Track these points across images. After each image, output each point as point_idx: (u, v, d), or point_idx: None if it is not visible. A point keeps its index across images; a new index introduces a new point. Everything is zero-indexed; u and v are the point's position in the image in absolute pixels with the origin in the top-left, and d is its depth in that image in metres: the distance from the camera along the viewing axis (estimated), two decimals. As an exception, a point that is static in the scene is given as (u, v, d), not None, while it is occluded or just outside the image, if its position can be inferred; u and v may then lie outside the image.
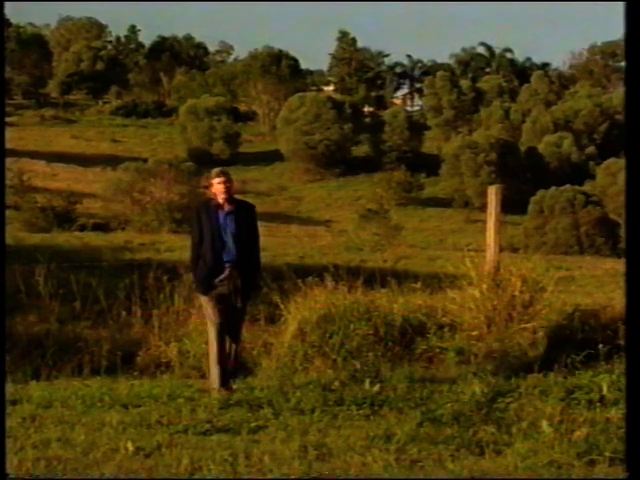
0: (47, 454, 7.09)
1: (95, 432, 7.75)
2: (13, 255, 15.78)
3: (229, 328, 9.03)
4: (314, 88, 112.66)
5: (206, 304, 9.07)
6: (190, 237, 9.17)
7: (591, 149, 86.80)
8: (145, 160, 70.62)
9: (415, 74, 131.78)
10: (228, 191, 8.91)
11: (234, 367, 9.23)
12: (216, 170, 9.05)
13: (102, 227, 50.69)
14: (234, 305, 9.03)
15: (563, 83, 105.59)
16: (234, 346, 9.19)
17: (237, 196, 9.20)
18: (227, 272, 8.94)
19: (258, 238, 9.12)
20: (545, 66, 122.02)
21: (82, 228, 47.96)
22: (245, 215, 9.01)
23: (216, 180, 8.92)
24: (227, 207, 8.92)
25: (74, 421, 8.08)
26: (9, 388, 8.87)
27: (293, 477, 6.73)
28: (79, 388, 9.16)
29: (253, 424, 7.99)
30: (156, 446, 7.36)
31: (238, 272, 8.95)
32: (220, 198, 8.91)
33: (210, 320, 9.03)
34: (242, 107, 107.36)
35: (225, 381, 9.01)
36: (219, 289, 8.96)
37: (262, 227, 9.29)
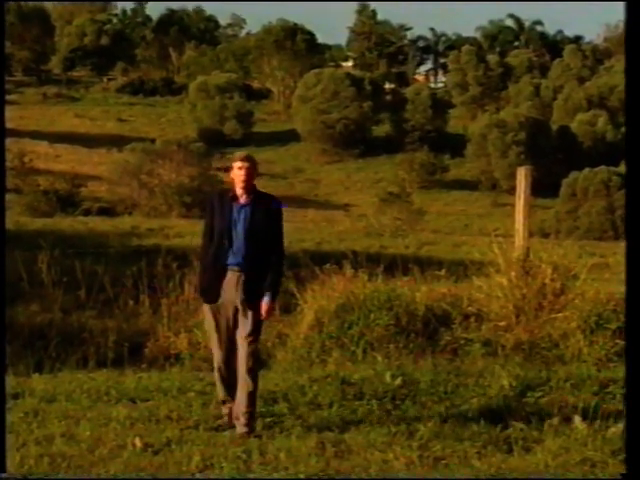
0: (51, 450, 7.13)
1: (101, 427, 7.79)
2: (14, 241, 15.85)
3: (238, 350, 7.84)
4: (332, 64, 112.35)
5: (207, 315, 7.97)
6: (202, 233, 8.12)
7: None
8: (153, 140, 70.69)
9: (439, 49, 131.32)
10: (248, 180, 7.84)
11: (249, 410, 7.80)
12: (240, 153, 8.05)
13: (108, 211, 50.89)
14: (241, 319, 7.81)
15: (597, 57, 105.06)
16: (247, 383, 7.81)
17: (261, 188, 8.13)
18: (230, 277, 7.79)
19: (282, 240, 7.96)
20: (578, 39, 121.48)
21: (87, 213, 48.12)
22: (266, 211, 7.86)
23: (237, 164, 7.88)
24: (243, 199, 7.85)
25: (79, 416, 8.11)
26: (10, 381, 8.91)
27: (310, 475, 6.74)
28: (84, 381, 9.19)
29: (268, 419, 8.01)
30: (165, 442, 7.39)
31: (246, 278, 7.77)
32: (238, 187, 7.87)
33: (212, 339, 8.01)
34: (255, 84, 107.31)
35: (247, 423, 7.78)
36: (225, 297, 7.82)
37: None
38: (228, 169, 8.05)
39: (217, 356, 7.94)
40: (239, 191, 7.87)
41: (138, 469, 6.81)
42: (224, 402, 7.99)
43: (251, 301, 7.78)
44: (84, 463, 6.91)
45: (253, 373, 7.81)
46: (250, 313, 7.79)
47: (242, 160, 7.89)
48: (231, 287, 7.78)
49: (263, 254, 7.80)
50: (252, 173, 7.89)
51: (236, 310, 7.81)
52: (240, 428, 7.72)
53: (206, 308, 7.97)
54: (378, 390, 8.73)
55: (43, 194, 51.85)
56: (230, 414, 7.88)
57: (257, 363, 7.96)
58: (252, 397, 7.78)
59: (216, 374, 8.00)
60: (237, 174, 7.87)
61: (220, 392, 8.02)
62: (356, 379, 9.02)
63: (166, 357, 10.51)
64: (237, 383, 7.84)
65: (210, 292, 7.88)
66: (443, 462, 7.13)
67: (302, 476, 6.72)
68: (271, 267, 7.85)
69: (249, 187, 7.88)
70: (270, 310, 7.92)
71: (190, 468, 6.83)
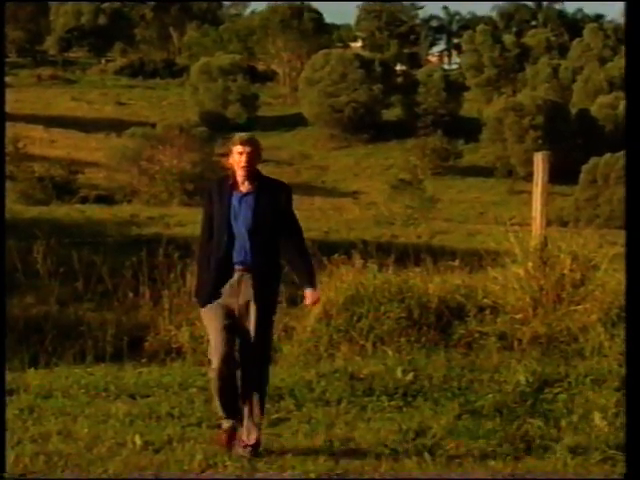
0: (47, 449, 7.15)
1: (99, 425, 7.81)
2: (8, 230, 15.85)
3: (244, 362, 7.16)
4: (340, 45, 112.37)
5: (207, 321, 7.23)
6: (200, 228, 7.44)
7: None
8: (153, 125, 70.87)
9: (453, 28, 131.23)
10: (250, 165, 7.13)
11: (256, 437, 7.17)
12: (240, 135, 7.29)
13: (106, 199, 50.98)
14: (247, 326, 7.11)
15: (619, 37, 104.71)
16: (255, 395, 7.17)
17: (266, 172, 7.45)
18: (236, 277, 7.10)
19: (300, 230, 7.30)
20: (599, 18, 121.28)
21: (84, 200, 48.27)
22: (272, 199, 7.15)
23: (237, 149, 7.17)
24: (245, 187, 7.16)
25: (76, 413, 8.13)
26: (5, 376, 8.92)
27: (318, 474, 6.75)
28: (82, 376, 9.21)
29: (274, 416, 8.02)
30: (166, 440, 7.40)
31: (253, 278, 7.09)
32: (239, 174, 7.17)
33: (211, 347, 7.22)
34: (260, 66, 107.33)
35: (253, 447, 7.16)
36: (225, 300, 7.11)
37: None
38: (227, 154, 7.36)
39: (216, 361, 7.10)
40: (240, 178, 7.18)
41: (138, 468, 6.83)
42: (228, 417, 7.25)
43: (258, 304, 7.07)
44: (82, 462, 6.92)
45: (263, 390, 7.23)
46: (256, 318, 7.09)
47: (243, 144, 7.18)
48: (233, 288, 7.09)
49: (270, 249, 7.14)
50: (255, 157, 7.19)
51: (239, 315, 7.12)
52: (242, 451, 7.12)
53: (204, 313, 7.23)
54: (389, 386, 8.74)
55: (38, 181, 51.95)
56: (230, 434, 7.23)
57: (267, 377, 7.30)
58: (258, 423, 7.22)
59: (215, 383, 7.20)
60: (237, 160, 7.18)
61: (222, 406, 7.25)
62: (366, 374, 9.02)
63: (167, 351, 10.52)
64: (240, 399, 7.20)
65: (207, 294, 7.17)
66: (457, 461, 7.13)
67: (312, 475, 6.72)
68: (300, 256, 7.24)
69: (251, 173, 7.18)
70: (317, 299, 7.41)
71: (192, 467, 6.84)
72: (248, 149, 7.15)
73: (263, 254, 7.10)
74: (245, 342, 7.12)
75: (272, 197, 7.18)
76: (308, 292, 7.27)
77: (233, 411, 7.21)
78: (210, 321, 7.15)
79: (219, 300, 7.11)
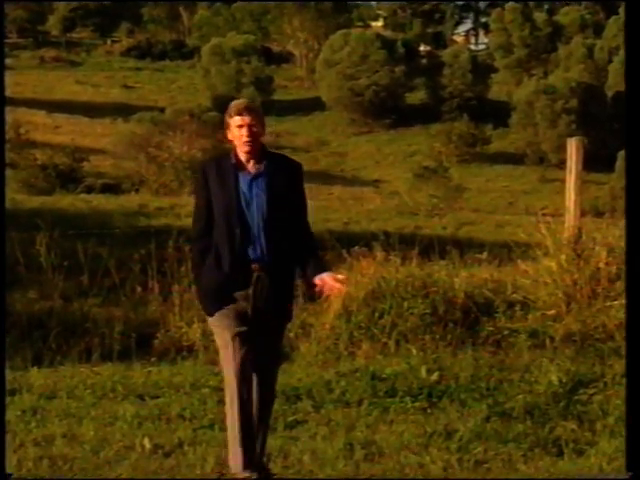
0: (51, 452, 7.19)
1: (106, 427, 7.84)
2: (10, 221, 15.90)
3: (257, 371, 6.47)
4: (360, 24, 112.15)
5: (220, 331, 6.40)
6: (192, 217, 6.60)
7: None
8: (162, 110, 71.08)
9: (480, 6, 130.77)
10: (254, 140, 6.30)
11: (261, 446, 6.55)
12: (237, 103, 6.43)
13: (112, 188, 51.05)
14: (263, 331, 6.39)
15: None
16: (260, 422, 6.52)
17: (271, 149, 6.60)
18: (253, 278, 6.31)
19: (306, 214, 6.54)
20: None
21: (89, 190, 48.30)
22: (285, 181, 6.36)
23: (235, 121, 6.32)
24: (254, 167, 6.34)
25: (82, 414, 8.17)
26: (7, 376, 8.95)
27: (337, 480, 6.77)
28: (87, 376, 9.25)
29: (290, 418, 8.04)
30: (177, 443, 7.43)
31: (267, 277, 6.33)
32: (242, 151, 6.34)
33: (226, 362, 6.42)
34: (275, 47, 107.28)
35: (251, 464, 6.43)
36: (239, 304, 6.34)
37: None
38: (225, 128, 6.45)
39: (235, 388, 6.40)
40: (244, 156, 6.35)
41: (147, 473, 6.85)
42: (248, 467, 6.40)
43: (274, 308, 6.39)
44: (88, 466, 6.96)
45: (268, 409, 6.58)
46: (271, 326, 6.42)
47: (241, 113, 6.31)
48: (248, 291, 6.33)
49: (285, 242, 6.36)
50: (258, 129, 6.34)
51: (252, 321, 6.37)
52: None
53: (216, 321, 6.41)
54: (412, 386, 8.74)
55: (41, 169, 52.02)
56: (246, 452, 6.44)
57: (273, 395, 6.69)
58: (263, 442, 6.55)
59: (236, 414, 6.40)
60: (237, 134, 6.33)
61: (243, 450, 6.39)
62: (388, 374, 9.03)
63: (178, 349, 10.54)
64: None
65: (217, 299, 6.36)
66: (485, 466, 7.14)
67: (329, 481, 6.74)
68: (309, 247, 6.43)
69: (257, 149, 6.35)
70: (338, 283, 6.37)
71: (204, 471, 6.86)
72: (248, 119, 6.31)
73: (280, 248, 6.33)
74: (260, 347, 6.41)
75: (285, 178, 6.40)
76: (328, 276, 6.33)
77: (252, 457, 6.38)
78: (224, 333, 6.34)
79: (232, 305, 6.34)
